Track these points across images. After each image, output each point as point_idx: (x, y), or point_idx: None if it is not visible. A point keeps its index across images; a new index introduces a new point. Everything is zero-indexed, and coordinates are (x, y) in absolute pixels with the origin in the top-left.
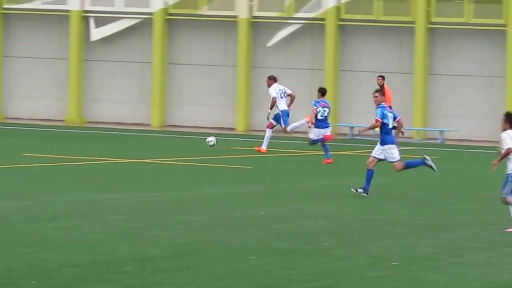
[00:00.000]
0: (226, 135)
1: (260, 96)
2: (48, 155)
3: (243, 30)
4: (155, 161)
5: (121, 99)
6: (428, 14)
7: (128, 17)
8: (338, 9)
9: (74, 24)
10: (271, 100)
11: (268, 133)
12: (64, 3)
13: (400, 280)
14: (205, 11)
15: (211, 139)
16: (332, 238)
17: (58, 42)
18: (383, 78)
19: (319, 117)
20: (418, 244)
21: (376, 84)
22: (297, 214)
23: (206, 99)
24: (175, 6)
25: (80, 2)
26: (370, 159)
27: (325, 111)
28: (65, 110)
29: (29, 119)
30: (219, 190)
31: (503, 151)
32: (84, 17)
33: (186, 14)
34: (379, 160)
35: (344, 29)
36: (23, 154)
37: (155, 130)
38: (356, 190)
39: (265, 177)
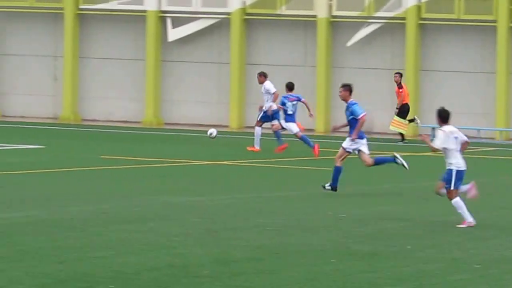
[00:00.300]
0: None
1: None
2: (125, 157)
3: (322, 30)
4: (233, 163)
5: (198, 100)
6: (511, 12)
7: (205, 17)
8: (418, 8)
9: (151, 25)
10: (273, 95)
11: (259, 131)
12: (141, 3)
13: (483, 283)
14: (283, 10)
15: (212, 131)
16: (414, 240)
17: (134, 42)
18: (401, 75)
19: (288, 112)
20: (501, 246)
21: (394, 81)
22: (377, 216)
23: None
24: (253, 5)
25: (157, 2)
26: (340, 152)
27: (294, 104)
28: (142, 112)
29: (105, 120)
30: (298, 192)
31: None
32: (161, 17)
33: (264, 14)
34: (349, 153)
35: (424, 28)
36: (100, 156)
37: (233, 132)
38: (324, 187)
39: (344, 179)
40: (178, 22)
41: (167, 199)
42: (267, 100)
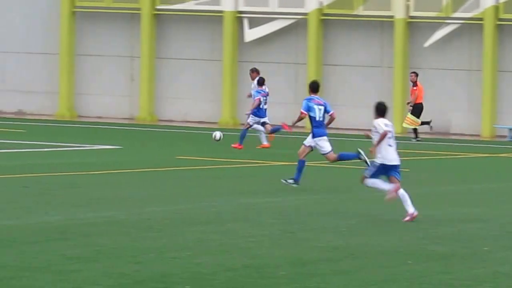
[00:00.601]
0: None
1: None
2: (201, 158)
3: (399, 30)
4: (311, 164)
5: (275, 101)
6: None
7: (282, 17)
8: (496, 8)
9: (228, 25)
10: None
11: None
12: (217, 3)
13: None
14: (360, 11)
15: (216, 133)
16: (491, 242)
17: (211, 43)
18: (417, 74)
19: (260, 106)
20: None
21: (410, 80)
22: (453, 218)
23: (361, 100)
24: (330, 6)
25: (234, 3)
26: (301, 149)
27: (264, 100)
28: (219, 112)
29: (182, 121)
30: (374, 193)
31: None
32: (238, 17)
33: (341, 14)
34: (311, 149)
35: (502, 29)
36: (176, 157)
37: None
38: (286, 181)
39: (421, 180)
40: (255, 22)
41: (243, 200)
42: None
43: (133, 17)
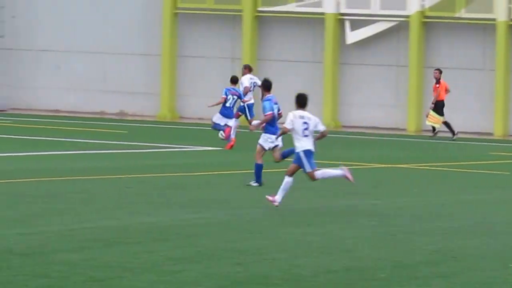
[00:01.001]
0: (482, 140)
1: None
2: None
3: (501, 32)
4: (409, 166)
5: (376, 103)
6: None
7: (384, 20)
8: None
9: (330, 27)
10: (243, 89)
11: (236, 122)
12: (319, 6)
13: None
14: (462, 14)
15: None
16: None
17: (312, 45)
18: (440, 71)
19: (227, 104)
20: None
21: (433, 77)
22: None
23: (461, 103)
24: (432, 8)
25: (336, 5)
26: (258, 148)
27: (234, 99)
28: (320, 114)
29: (283, 122)
30: (476, 196)
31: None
32: (340, 20)
33: (443, 17)
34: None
35: None
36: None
37: (411, 135)
38: (250, 185)
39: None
40: (356, 24)
41: (345, 202)
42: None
43: (235, 18)
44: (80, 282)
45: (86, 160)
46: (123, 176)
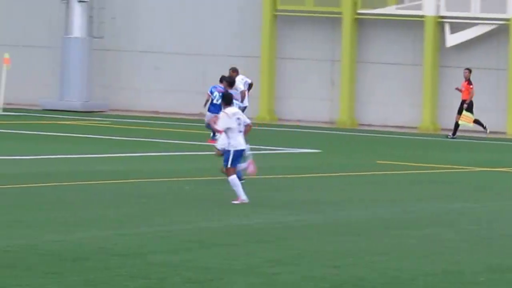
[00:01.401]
0: None
1: None
2: (401, 163)
3: None
4: (510, 170)
5: (475, 106)
6: None
7: (484, 23)
8: None
9: (429, 30)
10: (239, 93)
11: None
12: (419, 8)
13: None
14: None
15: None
16: None
17: (412, 48)
18: (470, 71)
19: (214, 101)
20: None
21: (463, 76)
22: None
23: None
24: None
25: (436, 8)
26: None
27: (220, 95)
28: (419, 117)
29: (382, 125)
30: None
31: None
32: (440, 22)
33: None
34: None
35: None
36: (377, 161)
37: (510, 138)
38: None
39: None
40: (456, 27)
41: (442, 205)
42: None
43: (334, 21)
44: (178, 283)
45: (186, 161)
46: (221, 178)
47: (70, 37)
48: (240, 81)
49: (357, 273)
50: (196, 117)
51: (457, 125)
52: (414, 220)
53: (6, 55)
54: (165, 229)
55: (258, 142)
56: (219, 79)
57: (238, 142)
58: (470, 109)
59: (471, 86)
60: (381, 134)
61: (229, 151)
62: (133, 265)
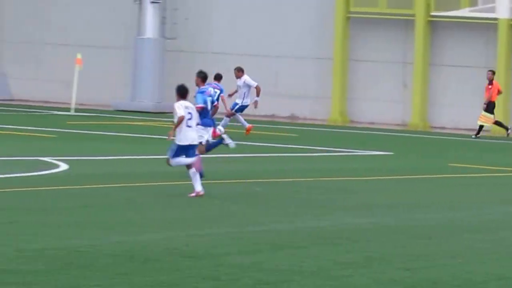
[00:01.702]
0: None
1: None
2: (474, 165)
3: None
4: None
5: None
6: None
7: None
8: None
9: (503, 33)
10: (256, 88)
11: (238, 117)
12: (492, 11)
13: None
14: None
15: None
16: None
17: (485, 50)
18: (493, 73)
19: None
20: None
21: (486, 78)
22: None
23: None
24: None
25: (510, 11)
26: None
27: (216, 92)
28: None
29: (454, 128)
30: None
31: (175, 121)
32: None
33: None
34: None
35: None
36: (449, 164)
37: None
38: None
39: None
40: None
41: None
42: (245, 93)
43: (407, 23)
44: (249, 285)
45: (257, 163)
46: (292, 179)
47: (142, 38)
48: (249, 79)
49: (429, 276)
50: (268, 118)
51: (498, 123)
52: (488, 223)
53: (79, 56)
54: (236, 231)
55: (330, 144)
56: (214, 76)
57: (184, 136)
58: (491, 109)
59: (490, 87)
60: (453, 137)
61: (176, 144)
62: (204, 266)
